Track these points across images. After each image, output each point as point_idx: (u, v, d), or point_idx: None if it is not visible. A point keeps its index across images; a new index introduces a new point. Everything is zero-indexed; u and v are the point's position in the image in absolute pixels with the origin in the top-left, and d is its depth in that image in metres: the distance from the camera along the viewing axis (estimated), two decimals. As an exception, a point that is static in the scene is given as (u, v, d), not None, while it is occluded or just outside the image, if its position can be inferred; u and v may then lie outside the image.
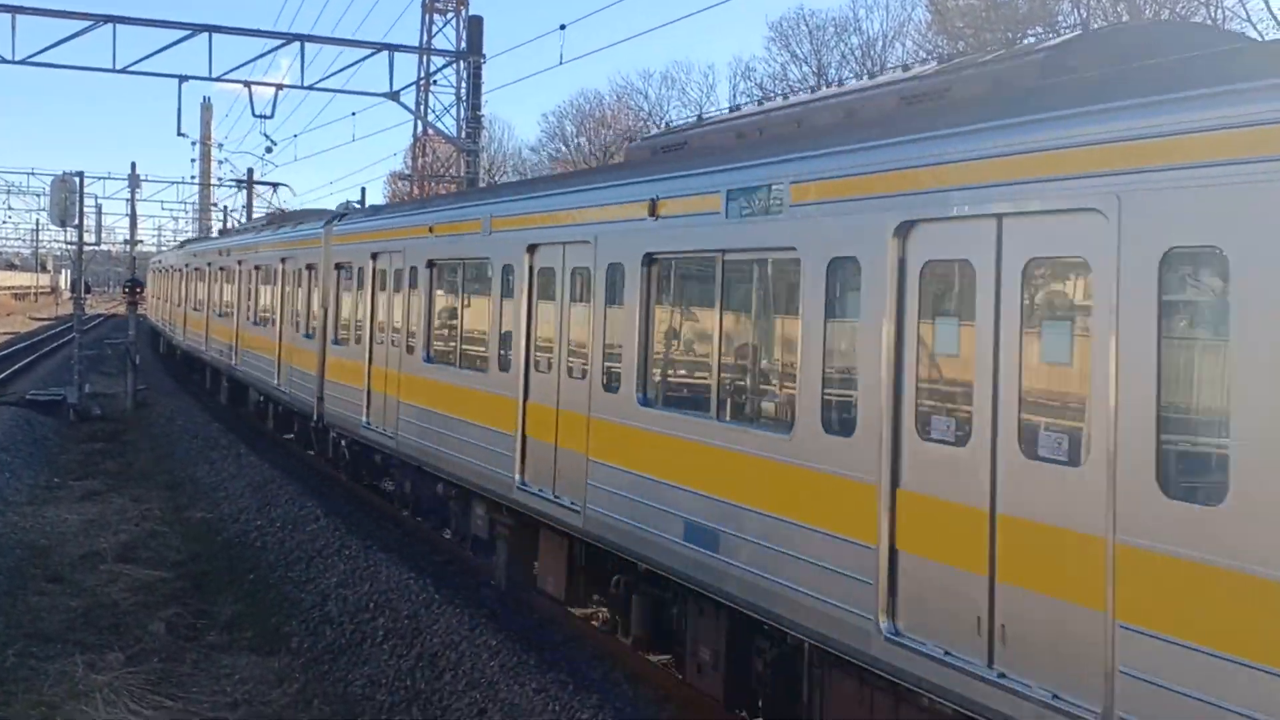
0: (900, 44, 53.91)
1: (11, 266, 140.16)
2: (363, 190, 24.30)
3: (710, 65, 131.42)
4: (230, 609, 14.14)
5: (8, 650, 12.04)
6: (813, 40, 55.48)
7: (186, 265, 39.15)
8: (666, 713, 10.30)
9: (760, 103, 12.65)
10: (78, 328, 34.20)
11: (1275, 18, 33.38)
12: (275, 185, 42.29)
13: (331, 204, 35.13)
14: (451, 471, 14.25)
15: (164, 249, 73.88)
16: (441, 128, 40.10)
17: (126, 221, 41.61)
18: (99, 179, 67.19)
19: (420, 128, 44.58)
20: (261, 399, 26.79)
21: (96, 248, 47.95)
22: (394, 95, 32.35)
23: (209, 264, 33.57)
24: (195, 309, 36.18)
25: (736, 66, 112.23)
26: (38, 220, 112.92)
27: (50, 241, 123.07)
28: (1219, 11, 35.84)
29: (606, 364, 10.76)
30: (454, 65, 39.37)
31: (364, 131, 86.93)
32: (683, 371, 10.45)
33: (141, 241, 65.80)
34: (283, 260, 23.41)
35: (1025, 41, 44.64)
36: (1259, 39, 32.27)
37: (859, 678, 7.82)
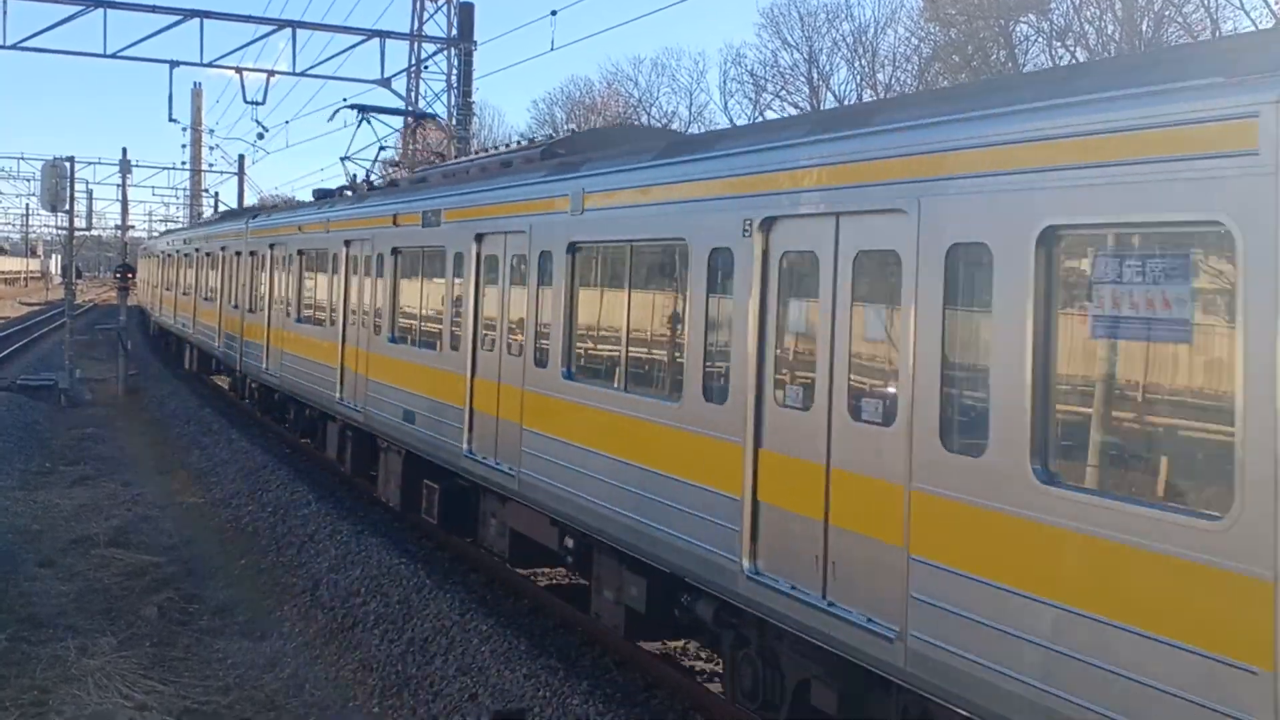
0: (892, 31, 53.92)
1: (1, 251, 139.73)
2: (354, 176, 23.58)
3: (701, 52, 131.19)
4: (222, 594, 14.19)
5: (0, 635, 12.08)
6: (804, 27, 55.39)
7: (270, 249, 23.67)
8: (657, 699, 10.37)
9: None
10: (69, 313, 34.16)
11: (1269, 6, 33.40)
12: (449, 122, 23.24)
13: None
14: None
15: (173, 227, 70.67)
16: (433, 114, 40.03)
17: (118, 207, 41.60)
18: (90, 164, 67.25)
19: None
20: (563, 535, 11.82)
21: (87, 233, 47.76)
22: (385, 82, 32.37)
23: (349, 243, 18.18)
24: (306, 319, 20.89)
25: (727, 53, 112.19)
26: (28, 205, 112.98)
27: (40, 226, 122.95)
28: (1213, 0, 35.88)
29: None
30: (445, 52, 39.30)
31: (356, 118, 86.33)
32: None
33: (133, 227, 65.70)
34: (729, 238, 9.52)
35: (1018, 30, 44.64)
36: (1254, 27, 32.29)
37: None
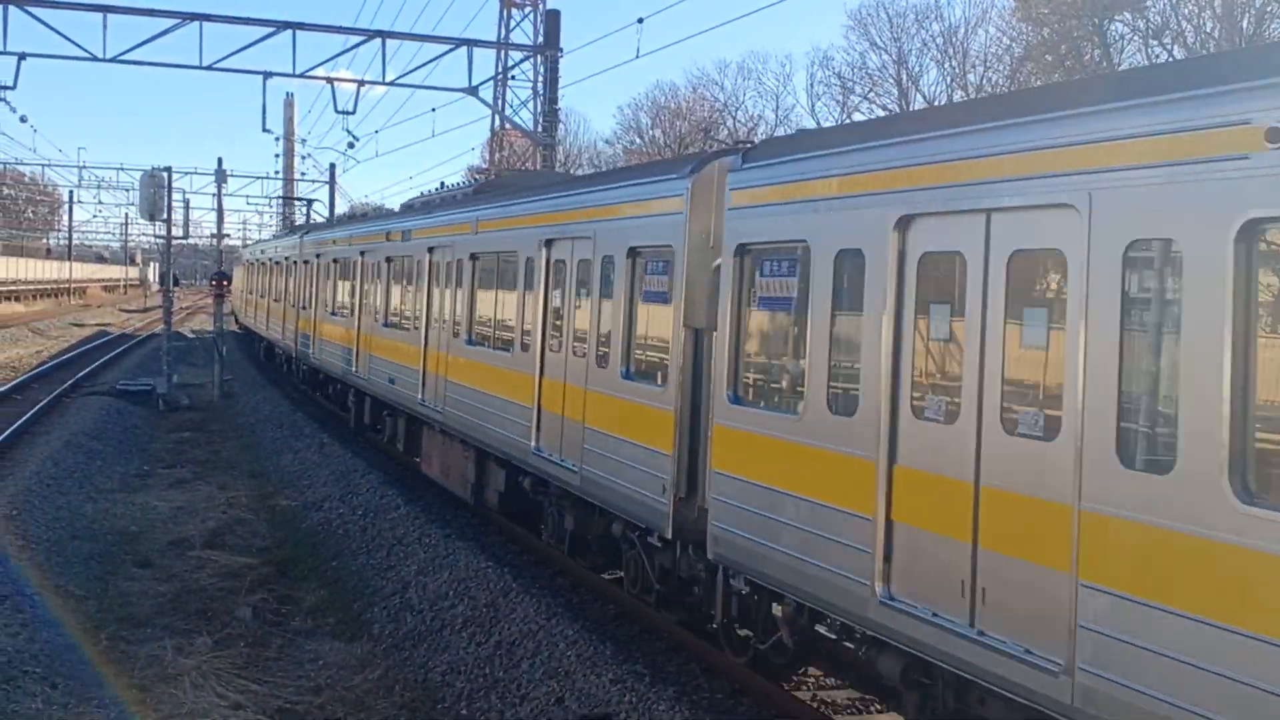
0: (983, 30, 53.12)
1: (101, 259, 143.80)
2: (442, 184, 23.68)
3: (787, 55, 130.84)
4: (314, 595, 14.39)
5: (100, 634, 12.38)
6: (893, 28, 54.88)
7: (428, 253, 18.67)
8: (743, 706, 10.28)
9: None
10: (167, 320, 34.97)
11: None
12: None
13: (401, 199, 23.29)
14: None
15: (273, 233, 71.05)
16: (519, 122, 40.33)
17: (213, 215, 42.56)
18: (186, 174, 69.16)
19: (498, 122, 44.87)
20: None
21: (184, 241, 48.87)
22: (473, 90, 32.69)
23: (549, 243, 13.57)
24: (480, 340, 16.27)
25: (814, 56, 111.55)
26: (126, 214, 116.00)
27: (139, 235, 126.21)
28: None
29: None
30: (531, 60, 39.56)
31: (443, 127, 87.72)
32: None
33: (228, 235, 67.17)
34: None
35: (1113, 28, 43.65)
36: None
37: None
